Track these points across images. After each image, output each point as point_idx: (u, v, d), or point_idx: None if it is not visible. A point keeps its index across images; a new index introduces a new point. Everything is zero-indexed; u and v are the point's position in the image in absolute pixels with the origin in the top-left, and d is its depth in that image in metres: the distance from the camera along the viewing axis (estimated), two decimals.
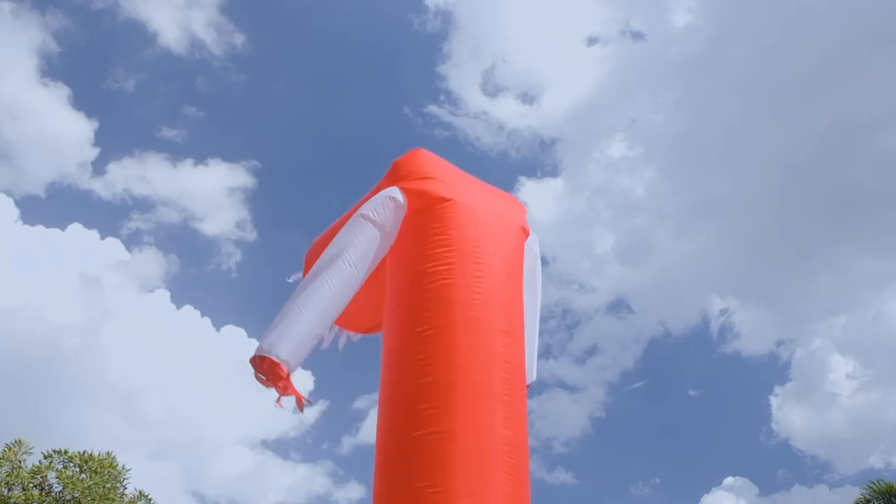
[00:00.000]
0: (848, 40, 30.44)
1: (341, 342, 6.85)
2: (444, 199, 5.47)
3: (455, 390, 4.80)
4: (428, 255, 5.27)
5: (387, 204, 5.49)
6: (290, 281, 6.97)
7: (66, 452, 14.67)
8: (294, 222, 39.18)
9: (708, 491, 30.35)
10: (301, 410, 5.22)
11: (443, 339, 4.97)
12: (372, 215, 5.45)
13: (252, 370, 5.21)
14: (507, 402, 4.97)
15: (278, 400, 5.13)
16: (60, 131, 32.98)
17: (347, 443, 31.12)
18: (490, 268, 5.30)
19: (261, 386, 5.14)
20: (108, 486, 14.46)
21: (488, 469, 4.66)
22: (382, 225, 5.42)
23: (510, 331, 5.24)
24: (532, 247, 6.15)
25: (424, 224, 5.43)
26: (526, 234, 5.95)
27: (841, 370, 33.41)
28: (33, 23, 33.06)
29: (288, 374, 5.04)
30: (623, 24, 38.28)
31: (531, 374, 7.07)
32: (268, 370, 5.06)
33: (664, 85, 38.10)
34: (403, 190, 5.56)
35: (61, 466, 14.58)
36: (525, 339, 6.76)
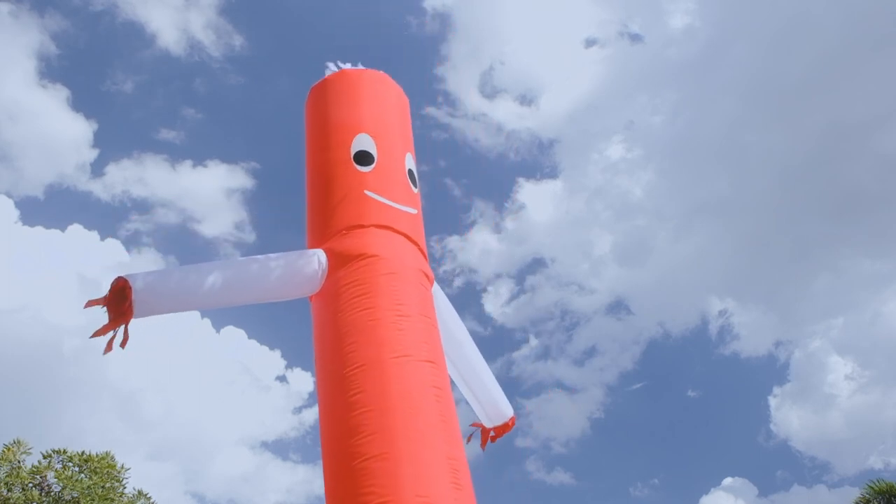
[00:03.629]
0: (845, 42, 30.53)
1: None
2: (363, 255, 5.90)
3: (393, 415, 4.97)
4: (352, 304, 5.62)
5: (311, 261, 5.96)
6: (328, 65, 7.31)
7: (65, 452, 14.64)
8: (293, 224, 39.14)
9: (707, 491, 30.38)
10: (107, 350, 5.22)
11: (372, 372, 5.20)
12: (289, 260, 5.95)
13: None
14: (445, 423, 5.19)
15: (104, 330, 5.17)
16: (59, 133, 33.04)
17: None
18: (408, 307, 5.68)
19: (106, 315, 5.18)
20: (108, 485, 14.44)
21: (438, 486, 4.79)
22: (288, 273, 5.88)
23: (435, 361, 5.57)
24: (437, 292, 6.56)
25: (346, 277, 5.83)
26: (431, 280, 6.41)
27: (839, 371, 33.46)
28: (32, 24, 33.11)
29: (128, 305, 5.09)
30: (621, 26, 38.37)
31: (506, 410, 7.41)
32: (114, 290, 5.15)
33: (662, 86, 38.20)
34: (326, 251, 6.03)
35: (60, 466, 14.55)
36: (484, 378, 7.19)
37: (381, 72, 7.42)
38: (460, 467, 5.09)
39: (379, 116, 6.86)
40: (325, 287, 5.94)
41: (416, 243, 6.41)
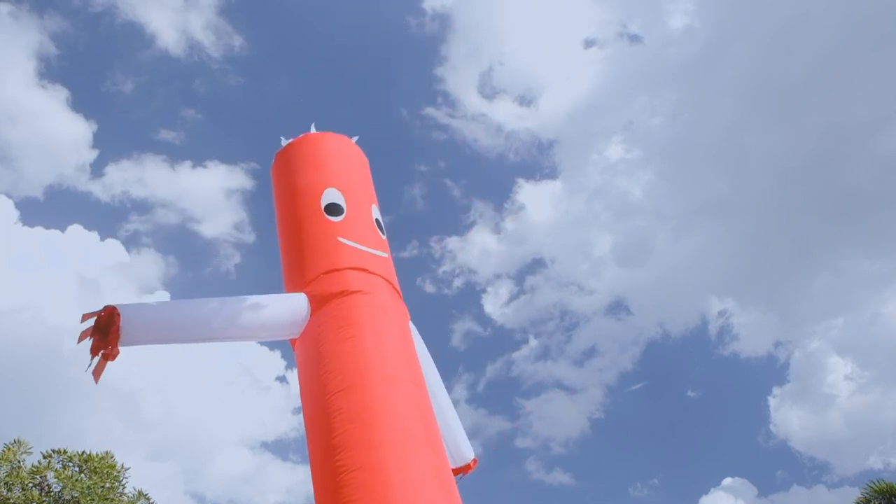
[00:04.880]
0: (845, 43, 30.53)
1: None
2: (344, 292, 6.24)
3: (379, 430, 5.18)
4: (335, 335, 5.92)
5: (293, 305, 6.24)
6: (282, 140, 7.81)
7: (65, 452, 14.60)
8: None
9: (707, 492, 30.40)
10: (95, 378, 5.34)
11: (356, 394, 5.43)
12: (278, 302, 6.24)
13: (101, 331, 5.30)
14: (429, 436, 5.42)
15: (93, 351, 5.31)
16: (59, 133, 33.03)
17: None
18: (389, 336, 6.03)
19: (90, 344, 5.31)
20: (108, 485, 14.40)
21: (426, 494, 4.94)
22: (277, 315, 6.18)
23: (417, 383, 5.88)
24: (413, 329, 6.85)
25: (328, 313, 6.13)
26: (407, 317, 6.78)
27: (839, 371, 33.49)
28: (32, 25, 33.11)
29: (116, 330, 5.24)
30: (620, 27, 38.44)
31: (467, 453, 7.59)
32: (103, 318, 5.30)
33: (662, 87, 38.21)
34: (307, 294, 6.36)
35: (60, 466, 14.51)
36: (449, 419, 7.37)
37: (342, 135, 8.01)
38: (447, 477, 5.27)
39: (344, 172, 7.37)
40: (308, 328, 6.20)
41: (390, 283, 6.77)
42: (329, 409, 5.38)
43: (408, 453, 5.08)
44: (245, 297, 6.16)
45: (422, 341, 6.99)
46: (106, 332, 5.29)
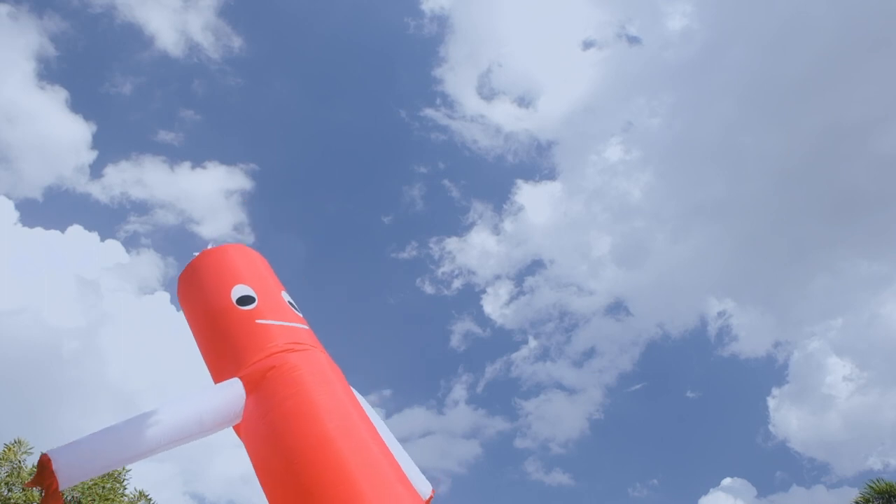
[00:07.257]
0: (843, 44, 30.61)
1: None
2: (278, 365, 6.27)
3: (346, 473, 5.27)
4: (282, 401, 5.99)
5: (229, 393, 6.24)
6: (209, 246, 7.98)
7: None
8: (291, 225, 39.22)
9: (706, 492, 30.47)
10: None
11: (314, 445, 5.51)
12: (211, 398, 6.23)
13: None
14: (398, 475, 5.57)
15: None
16: (58, 134, 33.06)
17: None
18: (333, 396, 6.10)
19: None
20: (108, 486, 14.41)
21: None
22: (212, 410, 6.13)
23: (371, 430, 6.01)
24: (354, 390, 6.94)
25: (267, 386, 6.18)
26: (343, 376, 6.87)
27: (838, 372, 33.58)
28: (31, 26, 33.15)
29: (51, 474, 5.38)
30: (618, 28, 38.55)
31: (424, 489, 7.60)
32: (39, 464, 5.46)
33: (660, 89, 38.31)
34: (240, 377, 6.34)
35: None
36: (400, 459, 7.29)
37: (238, 244, 8.18)
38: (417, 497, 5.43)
39: (248, 270, 7.52)
40: (248, 408, 6.22)
41: (320, 349, 6.85)
42: (290, 464, 5.47)
43: (384, 490, 5.20)
44: (176, 400, 6.22)
45: (360, 396, 7.09)
46: (46, 479, 5.46)
